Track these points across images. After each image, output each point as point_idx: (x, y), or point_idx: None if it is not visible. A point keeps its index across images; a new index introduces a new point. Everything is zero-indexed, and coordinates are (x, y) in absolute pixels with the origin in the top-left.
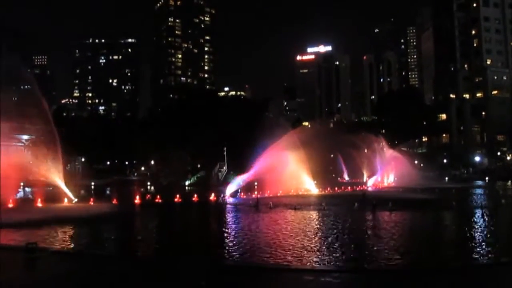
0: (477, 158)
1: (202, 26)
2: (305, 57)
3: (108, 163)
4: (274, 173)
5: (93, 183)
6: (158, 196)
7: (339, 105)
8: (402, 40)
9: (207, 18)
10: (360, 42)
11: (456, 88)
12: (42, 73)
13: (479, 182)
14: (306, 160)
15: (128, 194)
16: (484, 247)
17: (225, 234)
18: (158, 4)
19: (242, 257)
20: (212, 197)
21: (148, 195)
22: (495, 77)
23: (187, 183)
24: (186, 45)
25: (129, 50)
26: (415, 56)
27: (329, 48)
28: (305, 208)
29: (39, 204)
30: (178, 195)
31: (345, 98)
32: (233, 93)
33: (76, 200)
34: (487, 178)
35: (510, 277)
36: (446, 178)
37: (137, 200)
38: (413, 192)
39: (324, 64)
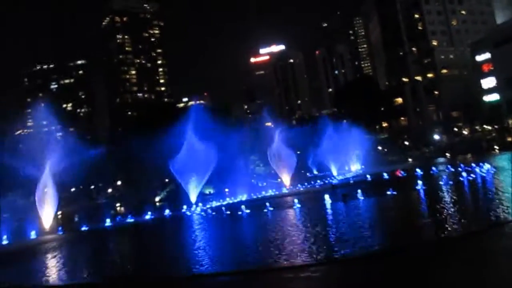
0: (436, 136)
1: (152, 39)
2: (259, 59)
3: (73, 189)
4: (244, 176)
5: (60, 212)
6: (129, 216)
7: (299, 101)
8: (350, 32)
9: (156, 31)
10: (311, 37)
11: (407, 72)
12: None
13: (441, 159)
14: (273, 159)
15: (97, 218)
16: (452, 220)
17: (199, 245)
18: (104, 22)
19: (220, 264)
20: (184, 209)
21: (119, 217)
22: (443, 57)
23: (157, 198)
24: (138, 61)
25: (80, 72)
26: (365, 45)
27: (282, 47)
28: (279, 208)
29: (5, 242)
30: (149, 212)
31: (304, 94)
32: (192, 103)
33: (48, 230)
34: (447, 154)
35: (480, 245)
36: (410, 159)
37: (107, 223)
38: (380, 177)
39: (279, 63)
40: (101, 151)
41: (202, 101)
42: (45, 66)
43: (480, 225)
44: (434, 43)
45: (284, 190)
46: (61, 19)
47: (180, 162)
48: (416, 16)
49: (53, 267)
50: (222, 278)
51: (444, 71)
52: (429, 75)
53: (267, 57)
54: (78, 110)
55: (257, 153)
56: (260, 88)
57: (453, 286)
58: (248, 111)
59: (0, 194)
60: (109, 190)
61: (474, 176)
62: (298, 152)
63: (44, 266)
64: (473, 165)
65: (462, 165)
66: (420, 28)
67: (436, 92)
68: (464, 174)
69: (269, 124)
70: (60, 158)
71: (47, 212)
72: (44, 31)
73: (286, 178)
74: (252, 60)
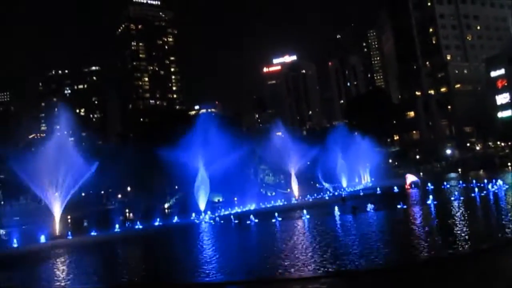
0: (448, 151)
1: (166, 47)
2: (271, 69)
3: (83, 194)
4: (253, 185)
5: (69, 216)
6: (138, 222)
7: (310, 112)
8: (364, 44)
9: (170, 39)
10: (324, 48)
11: (420, 85)
12: (6, 110)
13: (453, 174)
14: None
15: (106, 223)
16: (463, 237)
17: (207, 253)
18: (119, 30)
19: (227, 273)
20: (193, 217)
21: (128, 222)
22: (456, 71)
23: (166, 205)
24: (151, 68)
25: (94, 78)
26: (378, 58)
27: (294, 57)
28: (287, 218)
29: (15, 245)
30: (158, 219)
31: (315, 105)
32: (204, 111)
33: (58, 235)
34: (459, 170)
35: (489, 263)
36: (421, 174)
37: (116, 229)
38: (390, 190)
39: (291, 73)
40: (112, 156)
41: (213, 109)
42: (59, 71)
43: (492, 243)
44: (448, 57)
45: (293, 201)
46: (76, 26)
47: (189, 167)
48: (431, 30)
49: (60, 272)
50: None
51: (458, 86)
52: (442, 89)
53: (279, 67)
54: (91, 116)
55: (267, 162)
56: (272, 98)
57: None
58: (259, 120)
59: (11, 197)
60: (119, 196)
61: (486, 192)
62: (308, 163)
63: (51, 270)
64: (486, 181)
65: (474, 181)
66: (434, 42)
67: (449, 107)
68: (476, 190)
69: (279, 134)
70: (71, 162)
71: (57, 217)
72: (59, 36)
73: (295, 189)
74: (265, 69)
